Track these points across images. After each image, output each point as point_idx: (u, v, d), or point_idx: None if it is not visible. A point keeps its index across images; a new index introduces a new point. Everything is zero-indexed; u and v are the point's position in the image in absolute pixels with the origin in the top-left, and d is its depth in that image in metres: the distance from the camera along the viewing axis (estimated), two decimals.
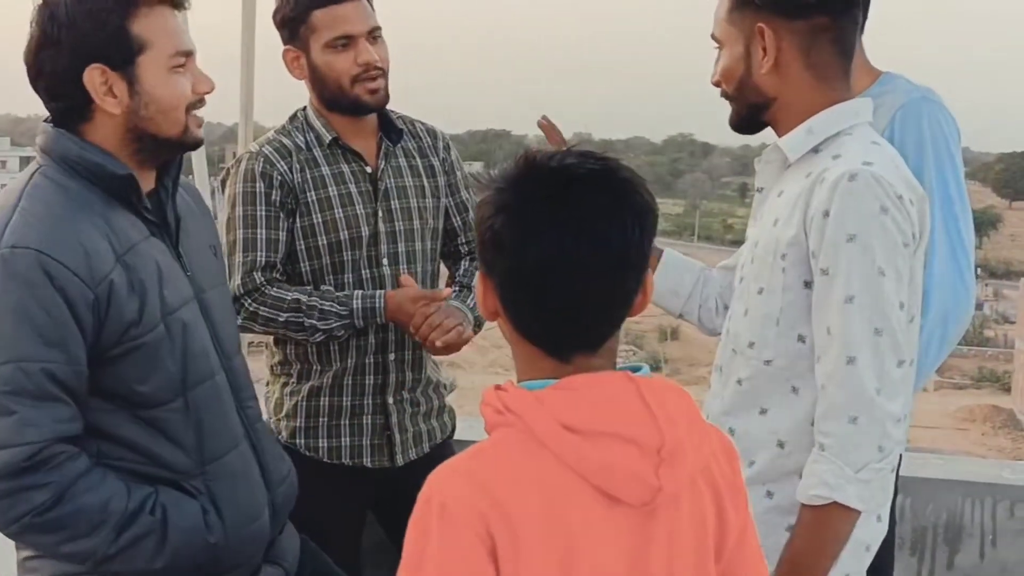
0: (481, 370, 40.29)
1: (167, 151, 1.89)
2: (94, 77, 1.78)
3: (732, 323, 1.97)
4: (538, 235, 1.26)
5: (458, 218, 2.73)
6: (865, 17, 2.09)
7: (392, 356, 2.55)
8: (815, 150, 1.86)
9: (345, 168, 2.54)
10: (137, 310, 1.77)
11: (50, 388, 1.69)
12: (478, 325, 2.60)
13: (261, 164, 2.49)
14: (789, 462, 1.84)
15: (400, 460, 2.57)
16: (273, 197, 2.47)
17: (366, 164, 2.56)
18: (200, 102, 1.90)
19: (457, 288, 2.69)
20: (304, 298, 2.45)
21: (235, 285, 2.44)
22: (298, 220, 2.50)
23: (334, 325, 2.44)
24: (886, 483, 1.84)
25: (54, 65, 1.79)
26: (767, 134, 2.01)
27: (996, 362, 51.57)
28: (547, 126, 2.34)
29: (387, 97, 2.53)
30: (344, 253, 2.51)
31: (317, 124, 2.55)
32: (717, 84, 1.96)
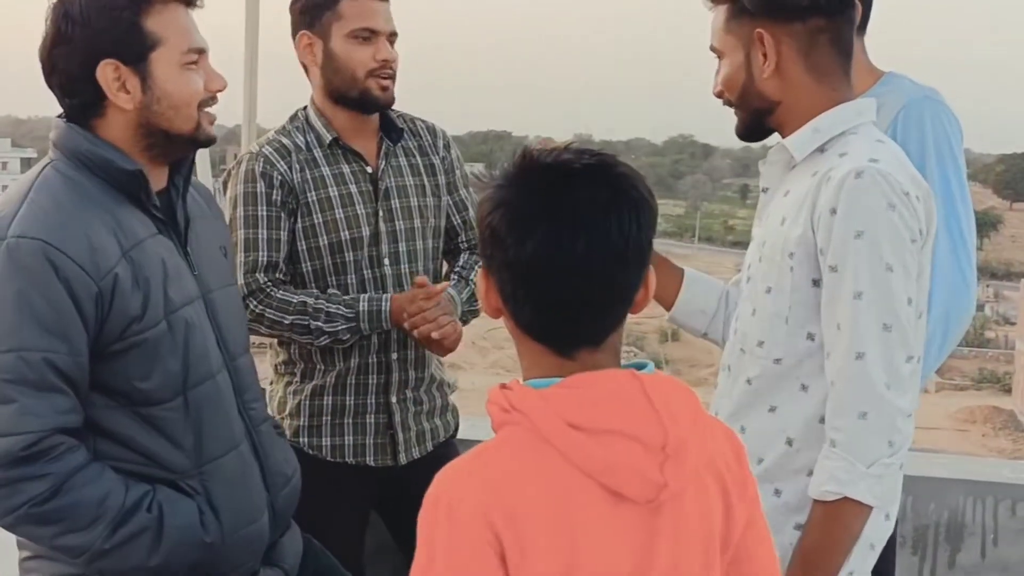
0: (482, 371, 40.29)
1: (179, 147, 1.90)
2: (107, 73, 1.79)
3: (740, 323, 1.98)
4: (535, 230, 1.26)
5: (457, 216, 2.74)
6: (868, 17, 2.09)
7: (395, 355, 2.56)
8: (820, 149, 1.88)
9: (345, 168, 2.54)
10: (140, 306, 1.77)
11: (51, 378, 1.69)
12: (466, 315, 2.61)
13: (261, 164, 2.50)
14: (797, 460, 1.85)
15: (403, 459, 2.58)
16: (274, 197, 2.48)
17: (366, 164, 2.56)
18: (212, 99, 1.91)
19: (455, 278, 2.70)
20: (311, 300, 2.46)
21: (239, 286, 2.44)
22: (299, 221, 2.50)
23: (340, 328, 2.44)
24: (896, 481, 1.84)
25: (68, 61, 1.80)
26: (774, 136, 2.02)
27: (997, 363, 51.54)
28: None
29: (394, 98, 2.55)
30: (346, 253, 2.51)
31: (317, 124, 2.55)
32: (719, 95, 1.98)
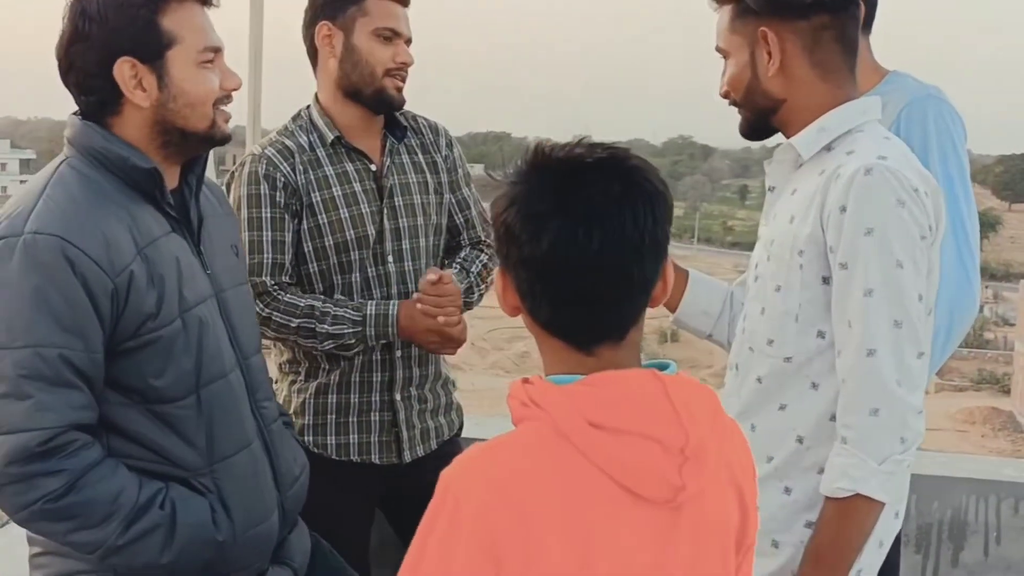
0: (482, 371, 40.29)
1: (194, 145, 1.91)
2: (124, 70, 1.80)
3: (748, 322, 1.99)
4: (549, 226, 1.25)
5: (460, 215, 2.74)
6: (872, 16, 2.10)
7: (399, 353, 2.56)
8: (827, 148, 1.88)
9: (349, 167, 2.55)
10: (155, 303, 1.78)
11: (67, 374, 1.70)
12: (466, 299, 2.62)
13: (264, 166, 2.50)
14: (807, 458, 1.85)
15: (408, 457, 2.58)
16: (277, 199, 2.48)
17: (370, 161, 2.57)
18: (227, 98, 1.91)
19: (456, 267, 2.69)
20: (318, 304, 2.46)
21: None
22: (304, 222, 2.50)
23: (346, 332, 2.44)
24: (905, 478, 1.85)
25: (85, 59, 1.81)
26: (773, 138, 2.03)
27: (996, 364, 51.55)
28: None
29: (405, 100, 2.57)
30: (351, 253, 2.51)
31: (320, 123, 2.55)
32: (725, 95, 1.98)
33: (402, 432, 2.57)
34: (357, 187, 2.53)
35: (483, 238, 2.79)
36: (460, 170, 2.75)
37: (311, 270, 2.53)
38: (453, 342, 2.52)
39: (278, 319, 2.45)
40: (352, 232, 2.50)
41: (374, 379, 2.55)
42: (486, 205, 2.84)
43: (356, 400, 2.55)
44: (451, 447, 2.67)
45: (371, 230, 2.52)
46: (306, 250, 2.51)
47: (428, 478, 2.53)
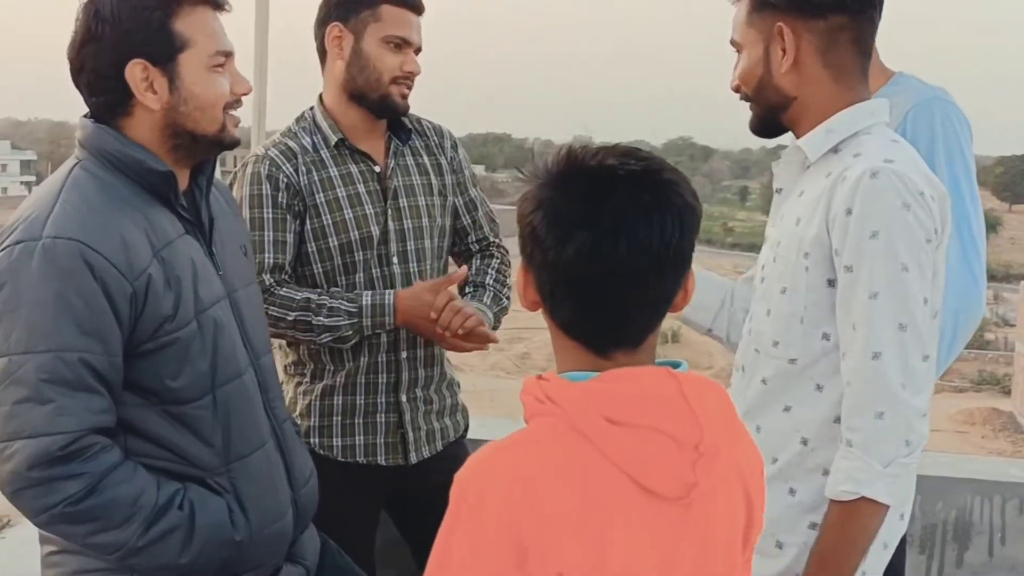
0: (482, 372, 40.26)
1: (204, 149, 1.91)
2: (135, 72, 1.80)
3: (754, 323, 1.99)
4: (575, 235, 1.26)
5: (467, 216, 2.75)
6: (879, 18, 2.09)
7: (404, 354, 2.56)
8: (835, 150, 1.88)
9: (353, 168, 2.55)
10: (172, 306, 1.78)
11: (87, 378, 1.70)
12: (498, 316, 2.63)
13: (267, 167, 2.50)
14: (812, 459, 1.85)
15: (414, 458, 2.58)
16: (279, 199, 2.48)
17: (374, 163, 2.57)
18: (237, 102, 1.92)
19: (471, 288, 2.71)
20: (314, 296, 2.46)
21: None
22: (308, 223, 2.51)
23: (343, 323, 2.44)
24: (910, 480, 1.85)
25: (96, 60, 1.81)
26: (772, 139, 2.02)
27: (996, 365, 51.49)
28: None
29: (409, 107, 2.58)
30: (356, 254, 2.52)
31: (324, 125, 2.56)
32: (736, 89, 1.98)
33: (408, 434, 2.58)
34: (361, 188, 2.54)
35: (491, 239, 2.79)
36: (466, 171, 2.75)
37: (315, 271, 2.53)
38: (479, 339, 2.50)
39: (274, 313, 2.45)
40: (356, 233, 2.51)
41: (380, 381, 2.56)
42: (492, 206, 2.85)
43: (362, 402, 2.56)
44: (457, 449, 2.67)
45: (375, 231, 2.52)
46: (310, 251, 2.52)
47: (434, 479, 2.53)
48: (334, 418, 2.56)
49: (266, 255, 2.47)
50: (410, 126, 2.65)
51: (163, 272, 1.78)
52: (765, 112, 1.96)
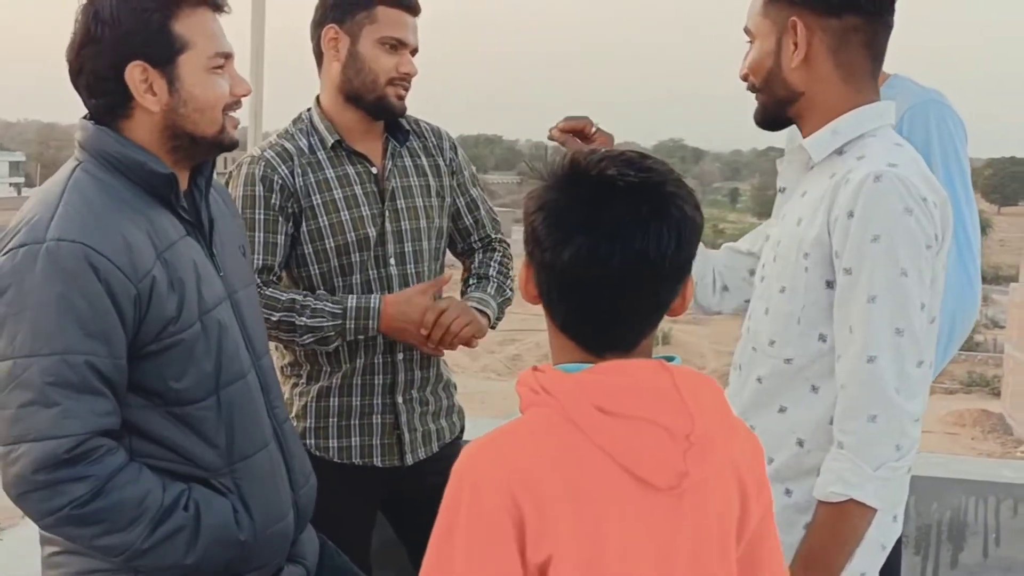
0: (473, 374, 40.29)
1: (204, 150, 1.91)
2: (135, 74, 1.80)
3: (752, 322, 1.99)
4: (573, 239, 1.28)
5: (469, 216, 2.75)
6: (892, 24, 2.08)
7: (401, 355, 2.56)
8: (839, 151, 1.88)
9: (350, 170, 2.55)
10: (176, 307, 1.78)
11: (92, 381, 1.70)
12: (501, 308, 2.65)
13: (262, 168, 2.50)
14: (808, 460, 1.86)
15: (410, 459, 2.58)
16: (272, 201, 2.48)
17: (371, 165, 2.57)
18: (237, 104, 1.92)
19: (474, 280, 2.71)
20: (299, 297, 2.46)
21: None
22: (304, 224, 2.50)
23: (325, 324, 2.43)
24: (903, 483, 1.85)
25: (96, 62, 1.81)
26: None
27: (986, 366, 51.65)
28: (560, 136, 2.31)
29: (406, 108, 2.58)
30: (352, 255, 2.51)
31: (321, 126, 2.55)
32: (745, 77, 1.98)
33: (404, 435, 2.58)
34: (358, 190, 2.53)
35: (494, 236, 2.79)
36: (466, 172, 2.76)
37: (312, 272, 2.53)
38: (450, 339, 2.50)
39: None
40: (353, 234, 2.50)
41: (376, 382, 2.55)
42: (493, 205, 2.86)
43: (358, 403, 2.55)
44: (453, 450, 2.67)
45: (372, 232, 2.52)
46: (307, 252, 2.51)
47: (430, 481, 2.53)
48: (330, 419, 2.56)
49: (256, 256, 2.46)
50: (408, 127, 2.65)
51: (166, 274, 1.78)
52: (771, 104, 1.97)
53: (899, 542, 2.00)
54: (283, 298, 2.45)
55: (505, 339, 45.43)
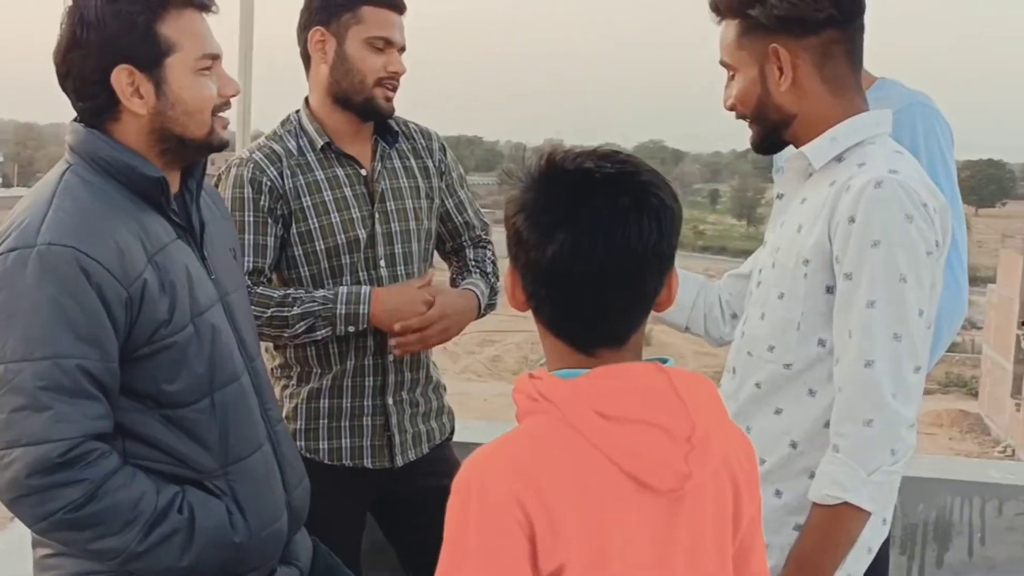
0: (453, 376, 40.21)
1: (193, 152, 1.91)
2: (121, 78, 1.79)
3: (747, 327, 2.00)
4: (555, 236, 1.29)
5: (459, 217, 2.76)
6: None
7: (391, 357, 2.56)
8: (839, 159, 1.89)
9: (340, 171, 2.54)
10: (167, 310, 1.78)
11: (85, 385, 1.70)
12: (491, 301, 2.67)
13: (250, 170, 2.49)
14: (800, 462, 1.87)
15: (400, 461, 2.58)
16: (261, 203, 2.47)
17: (360, 166, 2.56)
18: (226, 104, 1.91)
19: (476, 271, 2.73)
20: (292, 292, 2.47)
21: None
22: (294, 226, 2.50)
23: (316, 308, 2.43)
24: (894, 487, 1.87)
25: (83, 66, 1.80)
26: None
27: (964, 367, 51.99)
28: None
29: (394, 109, 2.57)
30: (343, 257, 2.51)
31: (310, 128, 2.55)
32: (732, 108, 1.98)
33: (394, 436, 2.57)
34: (347, 191, 2.53)
35: (483, 235, 2.80)
36: (455, 173, 2.76)
37: (302, 274, 2.52)
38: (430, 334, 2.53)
39: (253, 312, 2.44)
40: (343, 236, 2.50)
41: (366, 383, 2.55)
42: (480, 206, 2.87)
43: (348, 404, 2.55)
44: (443, 451, 2.68)
45: (362, 234, 2.52)
46: (297, 255, 2.51)
47: (420, 482, 2.52)
48: (320, 421, 2.55)
49: (245, 258, 2.46)
50: (397, 129, 2.65)
51: (158, 277, 1.77)
52: (767, 131, 1.97)
53: (887, 543, 2.01)
54: (276, 295, 2.46)
55: (484, 340, 45.43)
